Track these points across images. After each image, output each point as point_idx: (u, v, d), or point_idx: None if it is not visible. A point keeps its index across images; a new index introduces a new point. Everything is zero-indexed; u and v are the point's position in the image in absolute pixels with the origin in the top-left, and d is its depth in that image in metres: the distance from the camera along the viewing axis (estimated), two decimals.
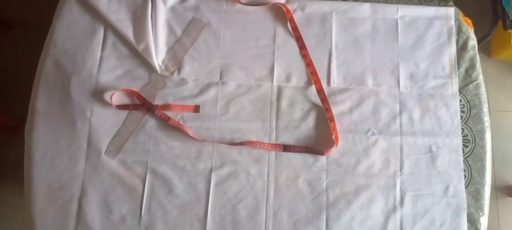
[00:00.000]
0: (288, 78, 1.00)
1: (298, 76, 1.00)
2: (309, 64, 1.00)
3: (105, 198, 0.94)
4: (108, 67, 1.00)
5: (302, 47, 1.01)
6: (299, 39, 1.02)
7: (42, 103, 0.99)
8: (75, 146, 0.96)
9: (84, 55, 1.01)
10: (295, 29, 1.02)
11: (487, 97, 1.03)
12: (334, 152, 0.95)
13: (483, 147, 0.97)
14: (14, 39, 1.71)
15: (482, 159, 0.97)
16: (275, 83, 1.00)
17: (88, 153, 0.96)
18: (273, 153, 0.96)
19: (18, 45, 1.69)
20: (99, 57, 1.01)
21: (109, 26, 1.03)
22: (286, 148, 0.96)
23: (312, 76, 1.00)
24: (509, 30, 1.32)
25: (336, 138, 0.95)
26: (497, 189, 1.58)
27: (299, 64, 1.01)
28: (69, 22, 1.03)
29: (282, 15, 1.04)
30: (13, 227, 1.52)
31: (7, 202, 1.54)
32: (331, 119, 0.96)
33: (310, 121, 0.98)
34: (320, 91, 0.98)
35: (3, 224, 1.52)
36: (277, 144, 0.96)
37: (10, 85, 1.62)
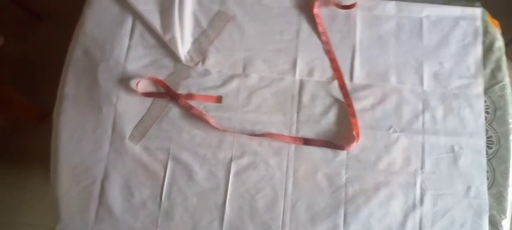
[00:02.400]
0: (310, 73, 1.01)
1: (321, 71, 1.01)
2: (332, 59, 1.01)
3: (127, 182, 0.96)
4: (135, 56, 1.03)
5: (326, 42, 1.02)
6: (323, 34, 1.02)
7: (70, 88, 1.02)
8: (100, 130, 0.99)
9: (113, 43, 1.03)
10: (320, 24, 1.03)
11: None
12: (354, 147, 0.95)
13: (508, 149, 0.96)
14: (46, 31, 1.77)
15: (506, 161, 0.95)
16: (297, 77, 1.01)
17: (112, 137, 0.98)
18: (293, 145, 0.96)
19: (50, 37, 1.75)
20: (126, 45, 1.04)
21: (137, 16, 1.05)
22: (307, 141, 0.96)
23: (335, 71, 1.00)
24: None
25: (357, 134, 0.95)
26: None
27: (322, 60, 1.02)
28: (99, 11, 1.07)
29: (306, 10, 1.05)
30: (36, 213, 1.56)
31: (31, 188, 1.59)
32: (353, 115, 0.96)
33: (331, 116, 0.98)
34: (342, 86, 0.99)
35: (27, 210, 1.57)
36: (298, 137, 0.97)
37: (41, 76, 1.67)
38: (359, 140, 0.95)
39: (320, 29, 1.03)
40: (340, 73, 1.00)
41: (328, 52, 1.01)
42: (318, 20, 1.03)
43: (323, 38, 1.02)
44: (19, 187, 1.59)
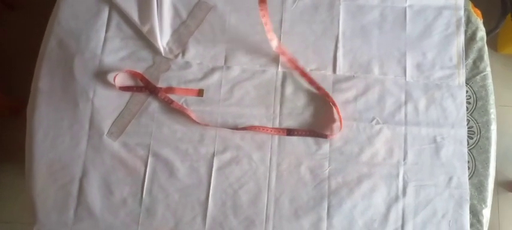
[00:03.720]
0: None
1: (304, 63, 0.99)
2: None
3: (106, 180, 0.93)
4: (112, 48, 0.99)
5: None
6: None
7: (44, 82, 0.98)
8: (77, 127, 0.95)
9: (89, 35, 0.99)
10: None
11: None
12: (337, 139, 0.94)
13: (488, 139, 0.97)
14: (17, 20, 1.70)
15: (486, 151, 0.96)
16: (280, 69, 0.99)
17: (90, 133, 0.95)
18: (276, 139, 0.95)
19: (21, 26, 1.69)
20: (103, 37, 1.00)
21: (114, 6, 1.01)
22: (290, 132, 0.95)
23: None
24: None
25: (340, 122, 0.94)
26: (498, 184, 1.58)
27: (305, 51, 1.00)
28: (74, 1, 1.02)
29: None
30: (12, 210, 1.52)
31: (7, 184, 1.54)
32: (334, 104, 0.95)
33: (314, 108, 0.97)
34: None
35: (2, 207, 1.52)
36: (281, 128, 0.95)
37: (13, 66, 1.61)
38: (342, 130, 0.94)
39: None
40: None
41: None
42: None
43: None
44: None
